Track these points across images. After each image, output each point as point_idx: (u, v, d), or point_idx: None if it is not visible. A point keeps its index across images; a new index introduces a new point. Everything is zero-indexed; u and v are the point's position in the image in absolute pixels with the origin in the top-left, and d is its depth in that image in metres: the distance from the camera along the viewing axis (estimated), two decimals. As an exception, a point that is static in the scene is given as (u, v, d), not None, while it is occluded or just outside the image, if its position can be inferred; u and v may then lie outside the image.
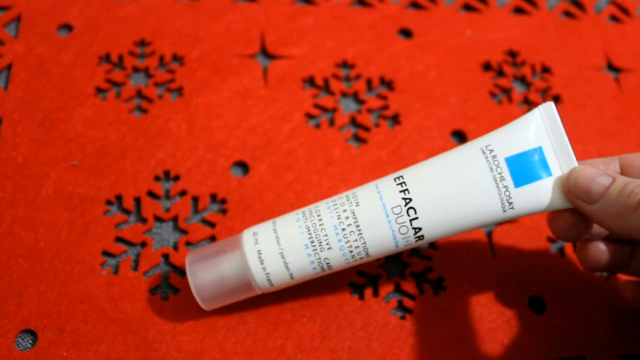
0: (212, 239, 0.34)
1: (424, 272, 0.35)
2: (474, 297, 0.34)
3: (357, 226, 0.28)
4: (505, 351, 0.33)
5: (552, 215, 0.30)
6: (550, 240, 0.37)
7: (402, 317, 0.33)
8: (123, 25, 0.40)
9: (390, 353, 0.32)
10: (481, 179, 0.28)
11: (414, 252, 0.35)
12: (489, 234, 0.36)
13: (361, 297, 0.33)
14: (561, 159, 0.28)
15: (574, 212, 0.29)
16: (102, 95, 0.38)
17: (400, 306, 0.34)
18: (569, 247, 0.37)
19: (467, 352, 0.32)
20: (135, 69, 0.39)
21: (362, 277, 0.34)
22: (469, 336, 0.33)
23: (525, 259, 0.36)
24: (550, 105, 0.29)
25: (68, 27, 0.40)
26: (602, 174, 0.28)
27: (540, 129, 0.29)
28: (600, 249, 0.31)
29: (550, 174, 0.28)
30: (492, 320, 0.33)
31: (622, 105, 0.43)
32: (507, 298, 0.34)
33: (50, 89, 0.37)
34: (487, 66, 0.43)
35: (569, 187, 0.28)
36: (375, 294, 0.34)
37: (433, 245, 0.35)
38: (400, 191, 0.28)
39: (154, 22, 0.41)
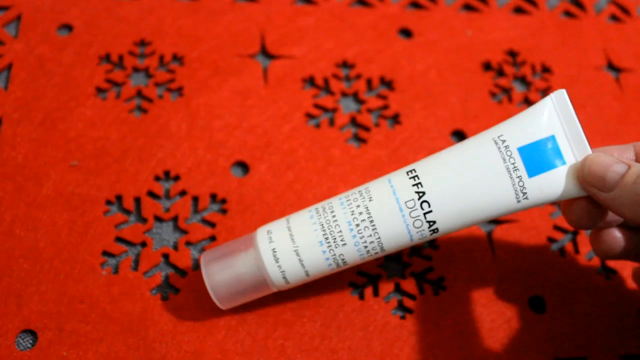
0: (212, 239, 0.34)
1: (424, 272, 0.35)
2: (474, 297, 0.34)
3: (371, 221, 0.28)
4: (505, 351, 0.33)
5: (566, 203, 0.30)
6: (550, 240, 0.37)
7: (402, 317, 0.33)
8: (123, 25, 0.40)
9: (390, 353, 0.32)
10: (494, 170, 0.28)
11: (414, 251, 0.35)
12: (489, 234, 0.36)
13: (361, 297, 0.33)
14: (575, 147, 0.28)
15: (589, 200, 0.29)
16: (102, 95, 0.38)
17: (400, 306, 0.34)
18: (569, 247, 0.37)
19: (467, 352, 0.32)
20: (135, 69, 0.39)
21: (362, 277, 0.34)
22: (469, 336, 0.33)
23: (525, 259, 0.36)
24: (562, 92, 0.28)
25: (68, 27, 0.40)
26: (617, 161, 0.27)
27: (552, 117, 0.28)
28: (614, 236, 0.30)
29: (564, 163, 0.28)
30: (492, 320, 0.33)
31: (622, 105, 0.43)
32: (507, 298, 0.34)
33: (50, 89, 0.37)
34: (487, 66, 0.43)
35: (583, 175, 0.28)
36: (375, 294, 0.34)
37: (433, 245, 0.35)
38: (414, 185, 0.28)
39: (154, 22, 0.41)
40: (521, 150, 0.28)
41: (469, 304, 0.34)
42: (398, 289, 0.34)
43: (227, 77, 0.39)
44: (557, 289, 0.35)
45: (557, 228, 0.37)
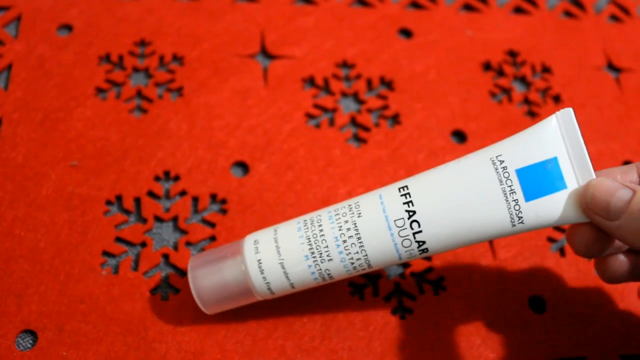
0: (212, 239, 0.34)
1: (424, 272, 0.35)
2: (474, 297, 0.34)
3: (359, 238, 0.28)
4: (505, 351, 0.33)
5: (572, 232, 0.28)
6: (550, 240, 0.37)
7: (402, 317, 0.33)
8: (123, 25, 0.40)
9: (390, 353, 0.32)
10: (490, 193, 0.27)
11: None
12: (489, 234, 0.36)
13: (361, 297, 0.33)
14: (578, 170, 0.27)
15: (594, 228, 0.27)
16: (102, 95, 0.38)
17: (400, 306, 0.34)
18: (569, 247, 0.36)
19: (467, 352, 0.32)
20: (135, 69, 0.39)
21: (362, 277, 0.34)
22: (469, 336, 0.33)
23: (525, 259, 0.36)
24: (568, 111, 0.27)
25: (68, 27, 0.40)
26: (621, 186, 0.25)
27: (556, 137, 0.27)
28: (620, 262, 0.29)
29: (564, 187, 0.27)
30: (492, 320, 0.33)
31: (622, 105, 0.43)
32: (507, 298, 0.34)
33: (50, 89, 0.37)
34: (487, 66, 0.43)
35: (586, 203, 0.26)
36: (375, 294, 0.34)
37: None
38: (404, 203, 0.27)
39: (154, 22, 0.41)
40: (519, 172, 0.27)
41: (469, 304, 0.34)
42: (398, 289, 0.34)
43: (227, 77, 0.39)
44: (557, 289, 0.35)
45: (557, 228, 0.37)
